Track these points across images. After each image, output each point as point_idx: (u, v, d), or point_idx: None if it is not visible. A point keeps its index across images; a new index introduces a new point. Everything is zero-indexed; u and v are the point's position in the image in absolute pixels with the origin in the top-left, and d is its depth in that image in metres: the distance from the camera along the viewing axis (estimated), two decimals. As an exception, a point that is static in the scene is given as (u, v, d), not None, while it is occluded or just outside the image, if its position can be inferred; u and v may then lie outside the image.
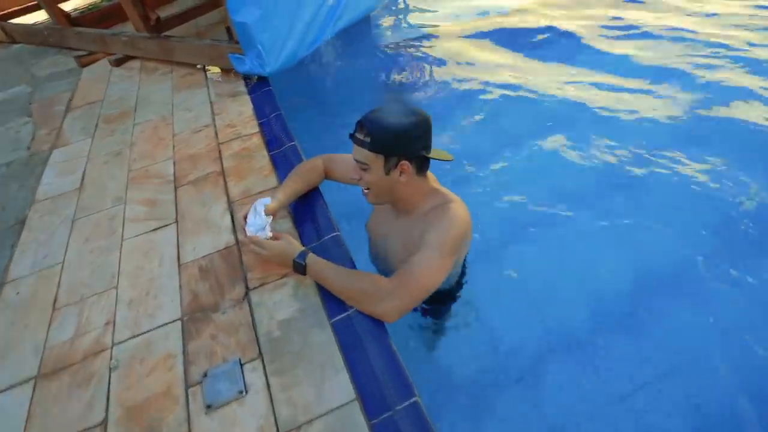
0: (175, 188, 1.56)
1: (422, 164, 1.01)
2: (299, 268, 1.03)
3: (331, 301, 1.05)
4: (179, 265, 1.24)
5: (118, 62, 2.64)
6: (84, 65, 2.74)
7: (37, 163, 1.88)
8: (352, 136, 0.97)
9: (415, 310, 1.43)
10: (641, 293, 1.62)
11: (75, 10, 4.10)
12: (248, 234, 1.11)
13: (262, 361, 0.96)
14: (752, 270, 1.61)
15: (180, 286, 1.18)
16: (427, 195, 1.06)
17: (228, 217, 1.37)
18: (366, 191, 1.05)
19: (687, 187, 1.98)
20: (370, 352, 0.94)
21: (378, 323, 0.99)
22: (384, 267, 1.28)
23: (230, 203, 1.42)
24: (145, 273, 1.24)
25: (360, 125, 0.94)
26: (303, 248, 1.05)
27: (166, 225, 1.40)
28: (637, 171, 2.07)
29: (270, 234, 1.13)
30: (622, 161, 2.14)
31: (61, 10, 3.04)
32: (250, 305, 1.09)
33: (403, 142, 0.94)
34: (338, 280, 1.00)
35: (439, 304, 1.37)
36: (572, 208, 1.96)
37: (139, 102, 2.23)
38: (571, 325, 1.56)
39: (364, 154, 0.95)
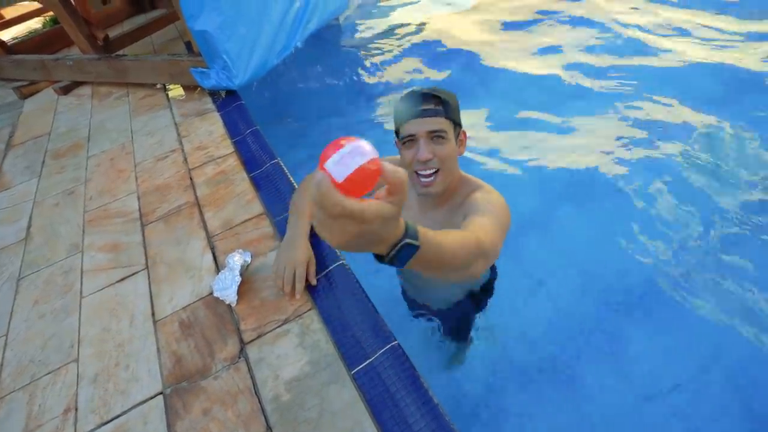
0: (142, 227, 1.33)
1: None
2: (403, 254, 0.49)
3: (348, 347, 0.86)
4: (155, 323, 1.02)
5: (65, 90, 2.36)
6: (26, 96, 2.44)
7: (-27, 214, 1.60)
8: (415, 112, 0.85)
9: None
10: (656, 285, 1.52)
11: (14, 38, 3.76)
12: (215, 294, 0.94)
13: (272, 437, 0.76)
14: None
15: (158, 350, 0.96)
16: (461, 179, 0.97)
17: (209, 256, 1.15)
18: (432, 177, 0.87)
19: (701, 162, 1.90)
20: (406, 407, 0.77)
21: (406, 366, 0.82)
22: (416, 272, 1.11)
23: (210, 238, 1.21)
24: (113, 337, 1.02)
25: (425, 96, 0.86)
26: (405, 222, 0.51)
27: (135, 273, 1.17)
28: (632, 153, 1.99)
29: (235, 298, 0.98)
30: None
31: (-4, 39, 2.73)
32: (248, 364, 0.89)
33: (459, 111, 0.92)
34: (450, 250, 0.60)
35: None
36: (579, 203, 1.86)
37: (93, 131, 1.97)
38: (592, 323, 1.47)
39: (440, 122, 0.86)
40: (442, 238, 0.58)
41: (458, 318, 1.29)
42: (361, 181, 0.36)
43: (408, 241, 0.49)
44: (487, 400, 1.33)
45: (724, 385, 1.26)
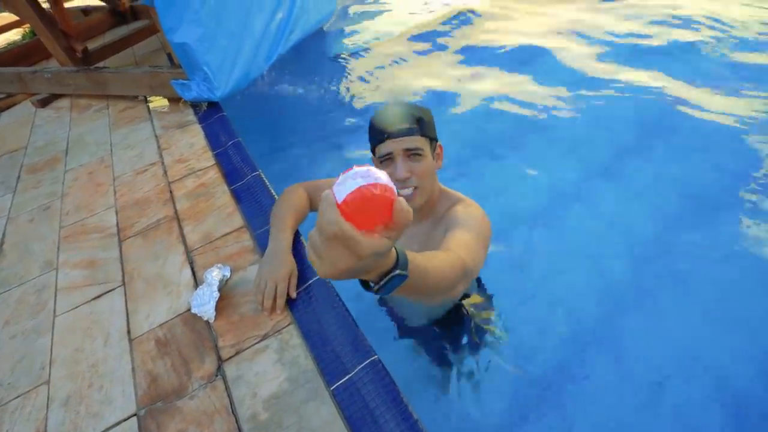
0: (120, 242, 1.30)
1: None
2: (392, 284, 0.48)
3: (328, 362, 0.85)
4: (130, 341, 1.00)
5: (43, 102, 2.32)
6: (2, 109, 2.39)
7: (-56, 232, 1.55)
8: (391, 132, 0.86)
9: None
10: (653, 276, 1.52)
11: (-8, 50, 3.68)
12: (193, 310, 0.94)
13: (249, 458, 0.75)
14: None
15: (133, 369, 0.94)
16: (441, 193, 0.99)
17: (188, 271, 1.13)
18: (412, 192, 0.89)
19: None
20: (385, 423, 0.76)
21: (386, 381, 0.81)
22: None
23: (189, 253, 1.19)
24: (87, 357, 0.99)
25: (399, 115, 0.87)
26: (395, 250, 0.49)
27: (111, 290, 1.14)
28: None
29: (213, 315, 0.97)
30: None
31: (-28, 52, 2.68)
32: (225, 382, 0.87)
33: (434, 126, 0.93)
34: (436, 273, 0.59)
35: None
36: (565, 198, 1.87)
37: (71, 145, 1.94)
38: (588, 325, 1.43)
39: (416, 141, 0.87)
40: (429, 263, 0.56)
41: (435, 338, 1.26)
42: (361, 206, 0.34)
43: (398, 272, 0.47)
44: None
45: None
